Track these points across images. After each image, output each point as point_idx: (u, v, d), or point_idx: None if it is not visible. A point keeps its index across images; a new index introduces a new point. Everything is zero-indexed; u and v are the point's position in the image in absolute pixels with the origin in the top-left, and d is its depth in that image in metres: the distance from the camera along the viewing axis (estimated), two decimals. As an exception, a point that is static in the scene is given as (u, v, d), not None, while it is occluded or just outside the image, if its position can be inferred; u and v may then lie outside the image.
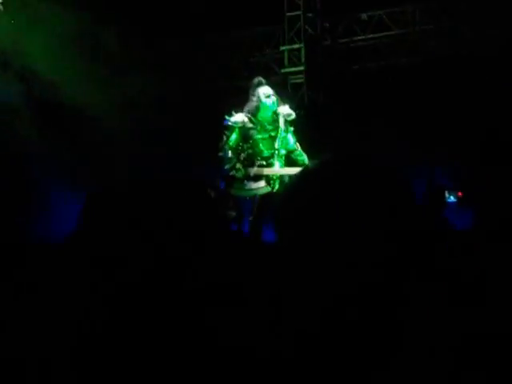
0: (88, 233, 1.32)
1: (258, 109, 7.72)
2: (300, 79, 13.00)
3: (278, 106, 7.77)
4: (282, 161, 7.83)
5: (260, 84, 7.81)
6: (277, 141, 7.77)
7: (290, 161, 7.90)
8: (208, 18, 12.71)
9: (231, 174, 7.69)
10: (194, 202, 1.38)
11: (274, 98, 7.74)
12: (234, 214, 7.67)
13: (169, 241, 1.31)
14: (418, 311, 1.35)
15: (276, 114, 7.78)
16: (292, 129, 7.90)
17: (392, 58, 12.70)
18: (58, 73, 10.80)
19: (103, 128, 10.95)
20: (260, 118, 7.76)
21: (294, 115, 7.87)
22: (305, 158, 7.86)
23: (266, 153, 7.78)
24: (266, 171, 7.75)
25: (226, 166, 7.70)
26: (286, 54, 13.13)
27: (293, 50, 13.08)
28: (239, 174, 7.71)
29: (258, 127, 7.76)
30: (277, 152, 7.75)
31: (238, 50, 13.68)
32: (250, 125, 7.74)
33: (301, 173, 1.67)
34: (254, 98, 7.75)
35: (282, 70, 13.16)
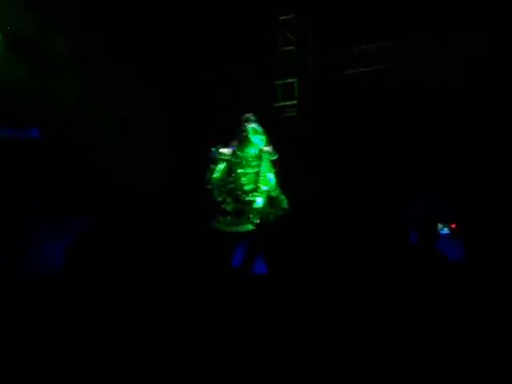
0: (76, 270, 1.41)
1: (245, 144, 7.83)
2: (293, 113, 13.17)
3: (265, 144, 7.89)
4: (264, 197, 7.92)
5: (249, 120, 7.93)
6: (259, 176, 7.88)
7: (270, 200, 7.99)
8: (201, 52, 12.88)
9: (222, 207, 7.78)
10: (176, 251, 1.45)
11: (262, 136, 7.86)
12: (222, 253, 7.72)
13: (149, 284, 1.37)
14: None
15: (262, 151, 7.89)
16: (274, 170, 8.01)
17: (383, 91, 12.86)
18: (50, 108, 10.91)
19: (96, 161, 11.01)
20: (246, 154, 7.87)
21: (276, 156, 8.00)
22: (284, 199, 7.97)
23: (247, 187, 7.88)
24: (253, 207, 7.83)
25: (219, 199, 7.79)
26: (279, 88, 13.31)
27: (286, 84, 13.26)
28: (229, 208, 7.80)
29: (243, 162, 7.87)
30: (259, 188, 7.86)
31: (232, 84, 13.84)
32: (236, 159, 7.85)
33: (293, 210, 1.74)
34: (244, 134, 7.87)
35: (276, 104, 13.33)
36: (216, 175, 7.84)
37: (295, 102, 13.16)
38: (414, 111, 11.94)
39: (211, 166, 7.88)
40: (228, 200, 7.80)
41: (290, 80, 13.20)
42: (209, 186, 7.88)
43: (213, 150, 7.94)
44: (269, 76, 13.54)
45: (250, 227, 7.75)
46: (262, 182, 7.92)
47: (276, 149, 8.14)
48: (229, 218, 7.78)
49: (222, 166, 7.86)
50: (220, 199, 7.79)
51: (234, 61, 13.23)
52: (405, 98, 12.46)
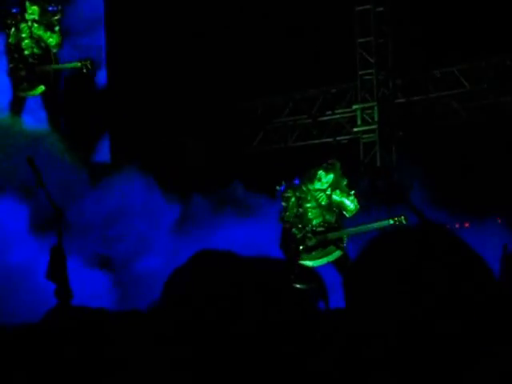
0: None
1: (311, 179, 7.77)
2: (372, 138, 12.89)
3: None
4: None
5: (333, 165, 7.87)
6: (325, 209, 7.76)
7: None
8: (278, 78, 12.77)
9: (306, 243, 7.66)
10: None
11: (331, 176, 7.77)
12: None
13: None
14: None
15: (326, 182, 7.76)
16: (352, 194, 7.80)
17: (467, 115, 12.53)
18: None
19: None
20: (311, 188, 7.79)
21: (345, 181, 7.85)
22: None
23: (315, 221, 7.77)
24: (332, 235, 7.71)
25: (299, 236, 7.69)
26: (358, 113, 13.05)
27: (365, 108, 13.00)
28: (311, 243, 7.69)
29: (308, 196, 7.78)
30: (325, 220, 7.73)
31: (310, 109, 13.65)
32: (300, 194, 7.78)
33: (374, 240, 1.58)
34: (315, 170, 7.82)
35: (355, 129, 13.08)
36: (289, 213, 7.77)
37: (375, 126, 12.88)
38: (498, 135, 11.60)
39: (283, 204, 7.81)
40: (309, 235, 7.69)
41: (370, 104, 12.95)
42: (286, 225, 7.80)
43: (277, 188, 7.90)
44: (347, 100, 13.33)
45: (340, 253, 7.67)
46: (327, 215, 7.78)
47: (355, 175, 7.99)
48: (314, 253, 7.68)
49: (292, 203, 7.79)
50: (300, 236, 7.70)
51: (311, 84, 13.06)
52: (489, 121, 12.12)
